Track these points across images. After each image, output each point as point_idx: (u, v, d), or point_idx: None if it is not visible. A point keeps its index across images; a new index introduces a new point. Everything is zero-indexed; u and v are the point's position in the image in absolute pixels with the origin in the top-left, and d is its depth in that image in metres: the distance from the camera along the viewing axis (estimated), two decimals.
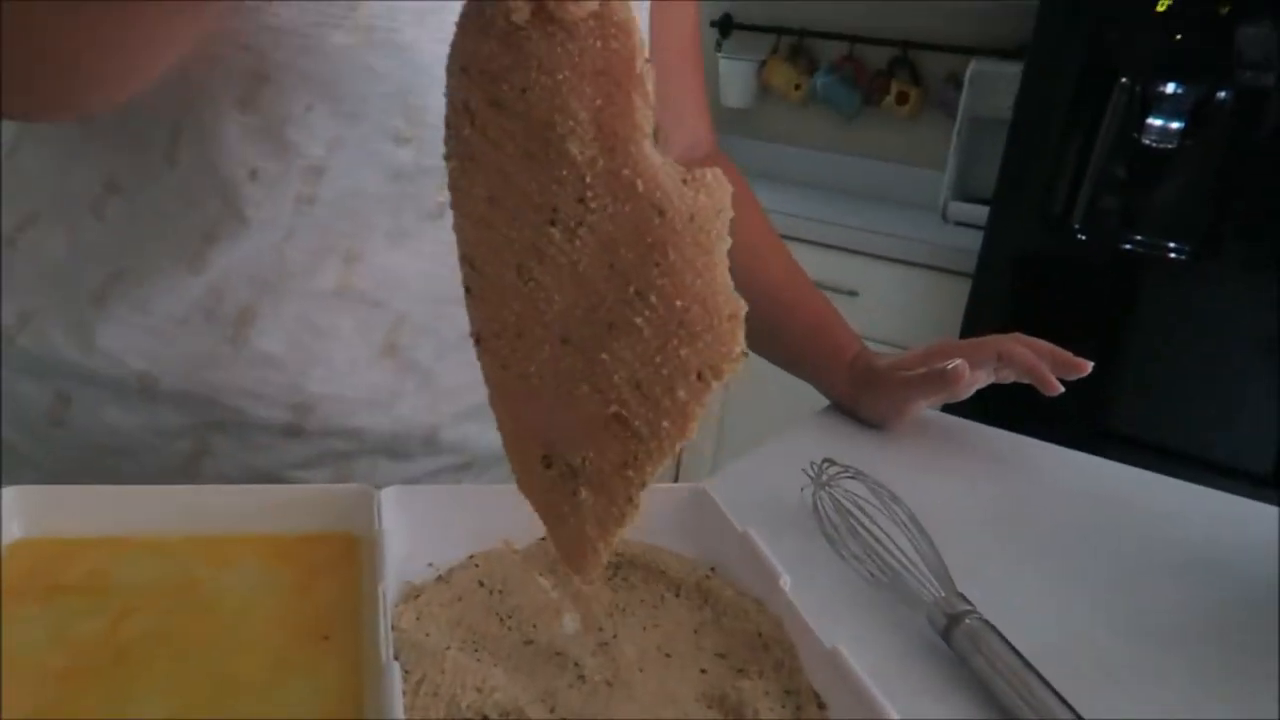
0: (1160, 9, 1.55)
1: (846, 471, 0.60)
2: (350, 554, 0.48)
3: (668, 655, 0.45)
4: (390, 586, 0.43)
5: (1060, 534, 0.64)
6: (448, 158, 0.32)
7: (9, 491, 0.45)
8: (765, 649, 0.45)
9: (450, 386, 0.62)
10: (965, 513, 0.65)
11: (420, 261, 0.58)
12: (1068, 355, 0.71)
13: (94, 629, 0.40)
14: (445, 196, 0.58)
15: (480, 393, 0.66)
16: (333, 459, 0.60)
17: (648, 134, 0.31)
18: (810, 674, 0.43)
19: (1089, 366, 0.71)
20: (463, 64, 0.31)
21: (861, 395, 0.76)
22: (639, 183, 0.30)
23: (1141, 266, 1.61)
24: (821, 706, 0.41)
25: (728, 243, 0.31)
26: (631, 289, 0.31)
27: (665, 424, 0.32)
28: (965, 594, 0.50)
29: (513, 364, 0.34)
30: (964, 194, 2.06)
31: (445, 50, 0.54)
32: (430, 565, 0.50)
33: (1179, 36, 1.56)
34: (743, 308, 0.31)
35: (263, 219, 0.54)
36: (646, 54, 0.30)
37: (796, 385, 0.81)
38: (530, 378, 0.34)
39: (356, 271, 0.57)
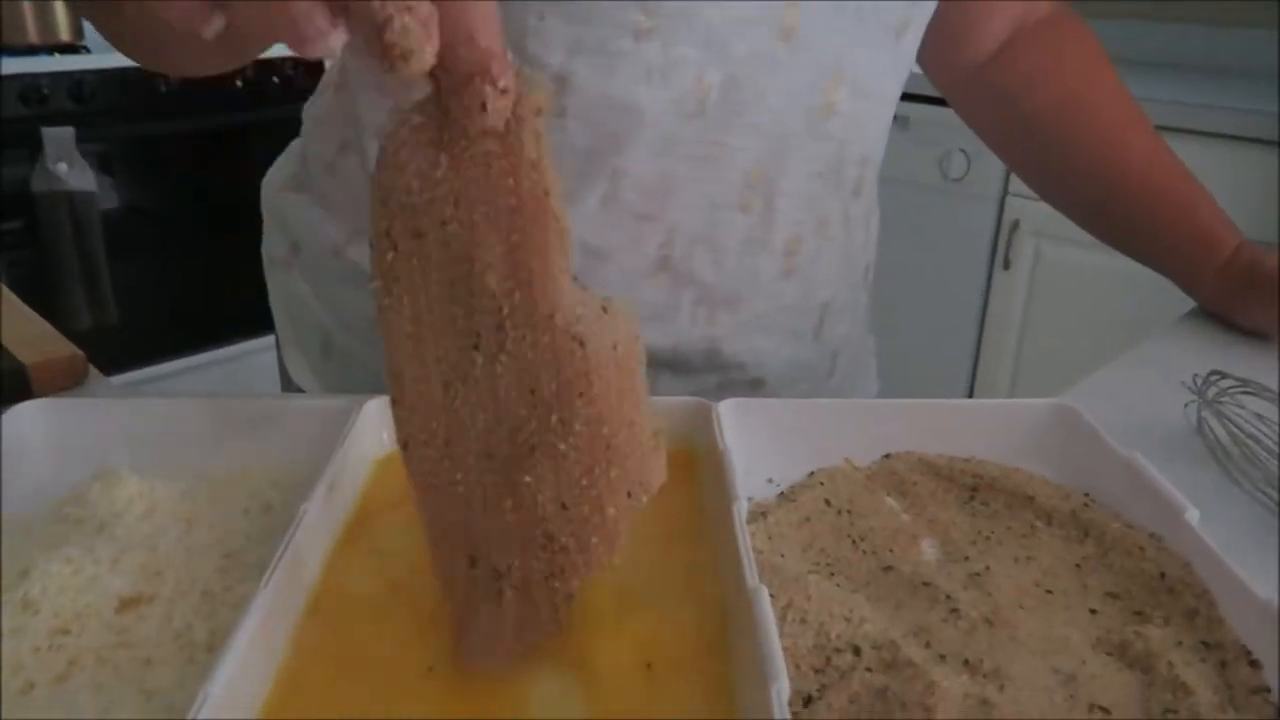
0: None
1: (1242, 386, 0.51)
2: (691, 468, 0.47)
3: (1048, 592, 0.40)
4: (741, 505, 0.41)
5: None
6: (372, 278, 0.32)
7: (376, 403, 0.47)
8: (1171, 593, 0.39)
9: (730, 297, 0.59)
10: None
11: (688, 166, 0.55)
12: None
13: None
14: (701, 93, 0.55)
15: (763, 304, 0.63)
16: None
17: (565, 268, 0.31)
18: (1235, 626, 0.36)
19: None
20: (382, 197, 0.31)
21: (1242, 298, 0.65)
22: (557, 316, 0.31)
23: None
24: (1254, 665, 0.35)
25: (644, 364, 0.32)
26: (554, 417, 0.32)
27: (594, 540, 0.33)
28: None
29: (440, 473, 0.33)
30: None
31: None
32: (770, 481, 0.48)
33: None
34: (661, 427, 0.33)
35: None
36: (558, 193, 0.31)
37: (1146, 289, 0.71)
38: (457, 485, 0.33)
39: (622, 186, 0.55)
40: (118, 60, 1.87)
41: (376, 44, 0.26)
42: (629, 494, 0.33)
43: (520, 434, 0.32)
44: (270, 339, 0.70)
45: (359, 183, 0.60)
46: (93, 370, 0.56)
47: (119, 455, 0.42)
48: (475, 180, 0.30)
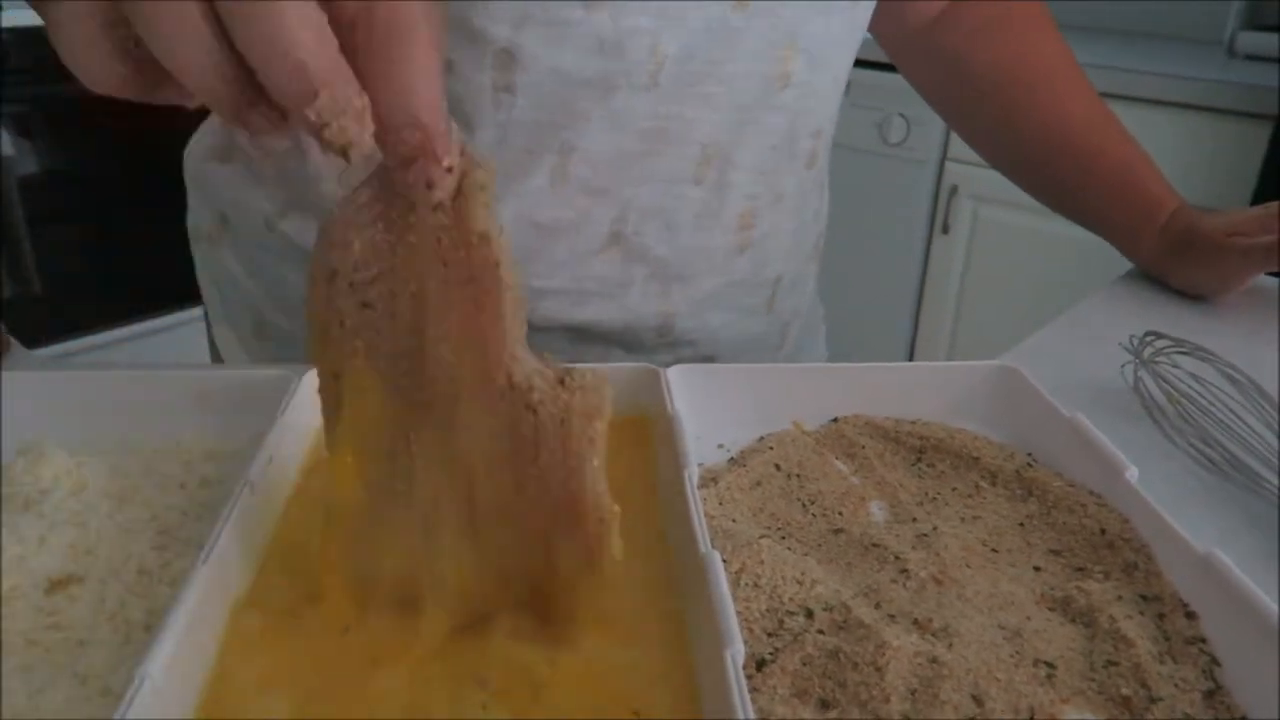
0: None
1: (1177, 346, 0.52)
2: (642, 434, 0.46)
3: (994, 550, 0.41)
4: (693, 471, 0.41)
5: None
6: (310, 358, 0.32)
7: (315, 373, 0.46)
8: (1111, 548, 0.40)
9: (683, 272, 0.58)
10: None
11: (642, 141, 0.54)
12: None
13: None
14: (655, 64, 0.53)
15: (716, 279, 0.62)
16: (565, 345, 0.59)
17: (520, 337, 0.31)
18: (1172, 579, 0.37)
19: None
20: (329, 272, 0.31)
21: (1179, 260, 0.66)
22: (512, 384, 0.31)
23: None
24: (1190, 616, 0.36)
25: (601, 448, 0.32)
26: (509, 479, 0.32)
27: (562, 600, 0.34)
28: None
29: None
30: (1256, 22, 1.78)
31: None
32: (720, 447, 0.48)
33: None
34: (614, 515, 0.32)
35: (467, 113, 0.52)
36: (510, 262, 0.30)
37: (1083, 252, 0.72)
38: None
39: (573, 161, 0.53)
40: (31, 17, 1.79)
41: (318, 140, 0.27)
42: (579, 565, 0.34)
43: (481, 502, 0.33)
44: (203, 309, 0.68)
45: (291, 150, 0.57)
46: (14, 343, 0.54)
47: (44, 430, 0.41)
48: (425, 253, 0.30)
